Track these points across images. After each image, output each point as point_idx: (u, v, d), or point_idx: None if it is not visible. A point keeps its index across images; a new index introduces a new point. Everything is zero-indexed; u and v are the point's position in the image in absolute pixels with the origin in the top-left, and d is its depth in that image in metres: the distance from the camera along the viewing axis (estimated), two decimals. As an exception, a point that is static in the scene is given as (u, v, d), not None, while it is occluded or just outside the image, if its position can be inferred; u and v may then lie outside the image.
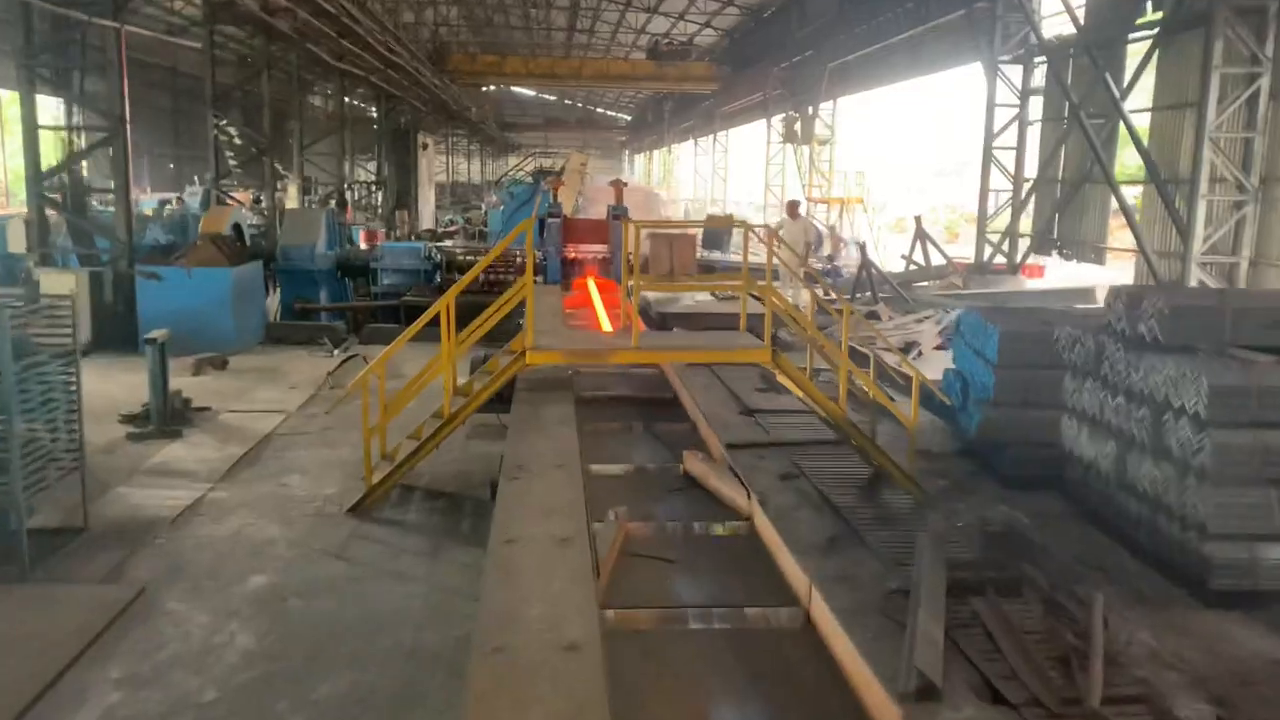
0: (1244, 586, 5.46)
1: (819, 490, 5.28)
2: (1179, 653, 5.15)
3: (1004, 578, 4.23)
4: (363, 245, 24.22)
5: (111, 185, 12.67)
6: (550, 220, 14.01)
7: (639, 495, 5.42)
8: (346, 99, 29.82)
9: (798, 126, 29.98)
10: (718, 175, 43.80)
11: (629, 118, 62.75)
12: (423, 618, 5.31)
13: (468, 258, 14.55)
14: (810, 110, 29.38)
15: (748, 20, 35.27)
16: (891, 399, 7.76)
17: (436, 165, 42.38)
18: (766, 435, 6.46)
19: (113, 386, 10.05)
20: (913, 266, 19.37)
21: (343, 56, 23.72)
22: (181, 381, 10.14)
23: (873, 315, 15.78)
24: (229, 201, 19.67)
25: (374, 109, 31.56)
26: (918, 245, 19.24)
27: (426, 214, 34.50)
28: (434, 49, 36.13)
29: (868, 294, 17.13)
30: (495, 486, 5.41)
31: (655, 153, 60.33)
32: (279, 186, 18.25)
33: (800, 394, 7.42)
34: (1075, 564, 6.22)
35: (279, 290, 13.96)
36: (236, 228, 15.12)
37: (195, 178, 30.32)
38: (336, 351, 12.06)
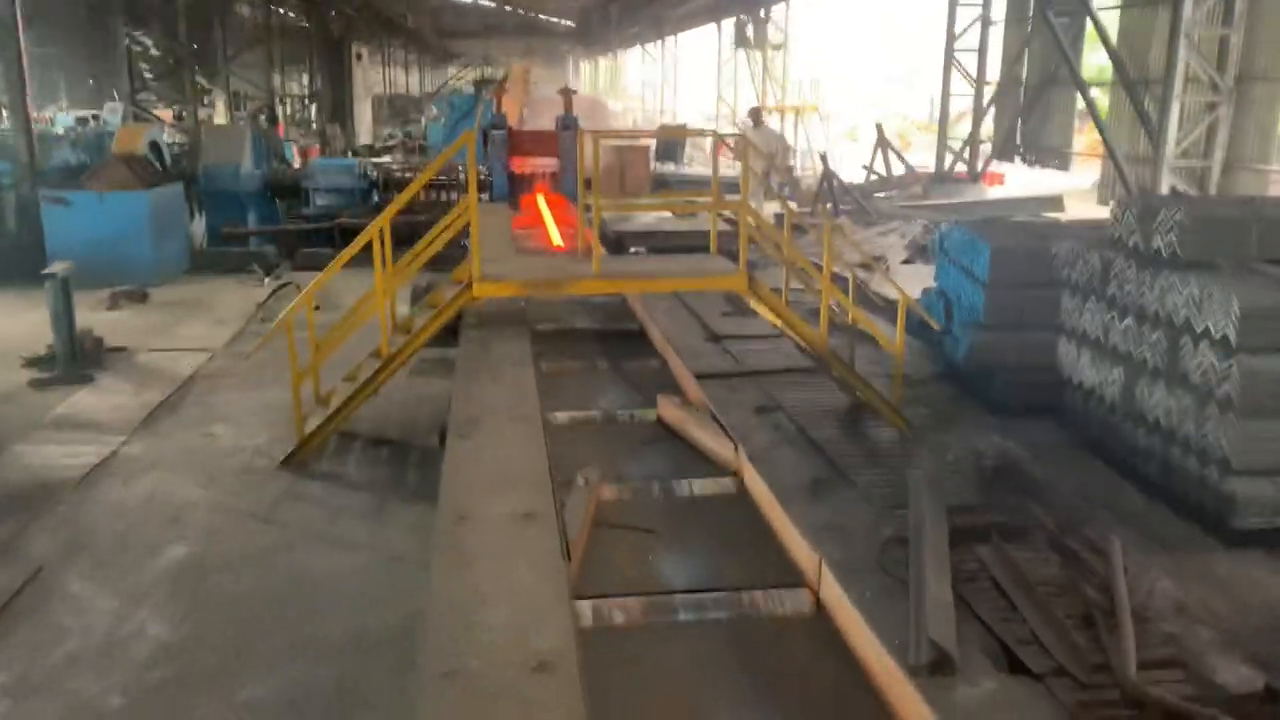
0: (1273, 524, 4.98)
1: (798, 425, 4.72)
2: (1206, 603, 4.64)
3: (1008, 521, 3.78)
4: (297, 163, 23.03)
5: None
6: (494, 132, 13.05)
7: (609, 449, 4.74)
8: (274, 7, 27.94)
9: (749, 31, 28.77)
10: (667, 84, 42.35)
11: (573, 24, 60.42)
12: (366, 593, 4.63)
13: (406, 174, 13.52)
14: (762, 13, 28.15)
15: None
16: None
17: (373, 78, 40.40)
18: (737, 364, 5.88)
19: (15, 326, 9.09)
20: (873, 177, 18.65)
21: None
22: (95, 318, 9.20)
23: (835, 230, 15.10)
24: (148, 118, 18.30)
25: (305, 19, 29.68)
26: (878, 155, 18.48)
27: (364, 128, 32.86)
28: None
29: (828, 205, 16.45)
30: (444, 433, 4.71)
31: (601, 61, 58.37)
32: (204, 101, 16.89)
33: (777, 321, 6.75)
34: (1080, 501, 5.71)
35: (203, 214, 12.84)
36: (154, 146, 13.87)
37: (115, 93, 28.44)
38: (268, 280, 11.11)
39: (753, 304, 7.20)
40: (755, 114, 12.90)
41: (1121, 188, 13.62)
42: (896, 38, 68.18)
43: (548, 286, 6.44)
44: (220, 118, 27.26)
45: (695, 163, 23.85)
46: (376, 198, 13.41)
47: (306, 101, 28.34)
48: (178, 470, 6.06)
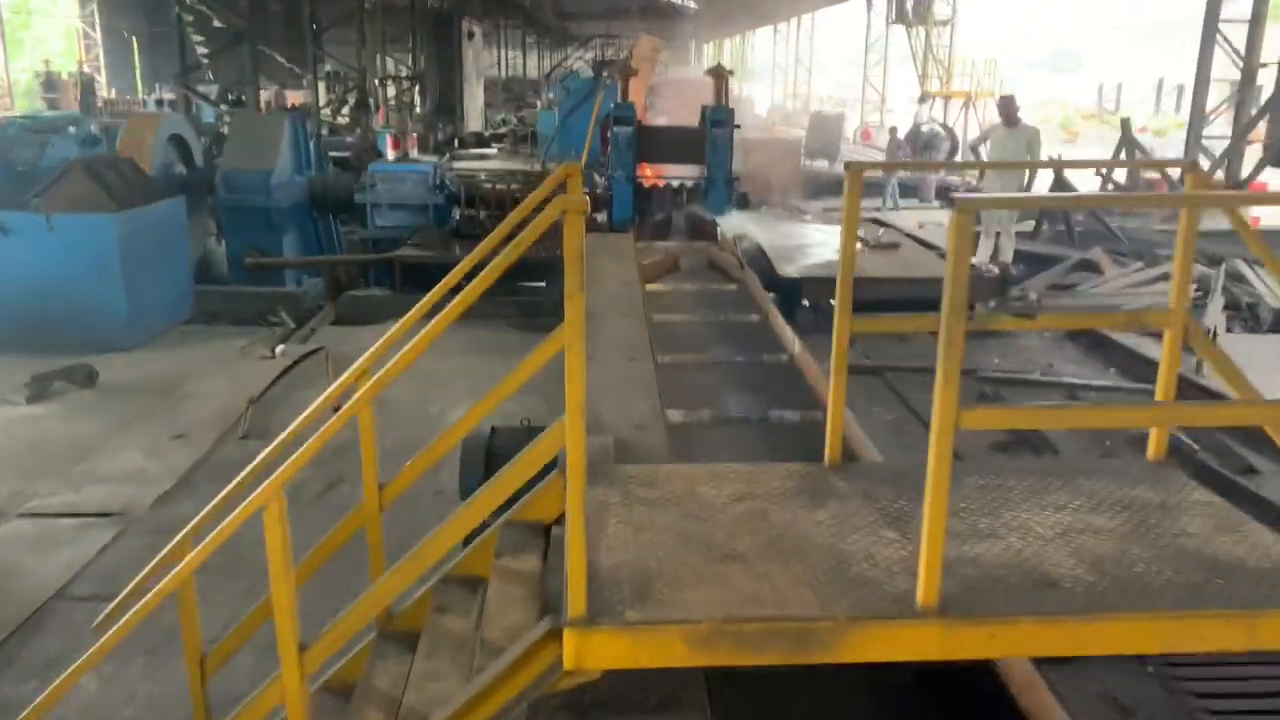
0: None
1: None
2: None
3: None
4: (390, 157, 19.41)
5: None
6: (618, 129, 9.04)
7: None
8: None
9: (909, 4, 23.96)
10: (801, 66, 37.55)
11: (696, 5, 55.80)
12: None
13: (498, 186, 9.56)
14: (927, -17, 23.32)
15: (844, -121, 28.82)
16: None
17: (487, 60, 36.84)
18: None
19: None
20: (1110, 187, 13.88)
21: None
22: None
23: (1087, 266, 10.55)
24: (206, 102, 14.86)
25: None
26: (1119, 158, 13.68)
27: (474, 114, 29.25)
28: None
29: (1059, 226, 11.87)
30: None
31: (727, 43, 53.65)
32: (261, 85, 13.32)
33: None
34: None
35: (223, 238, 9.19)
36: (178, 142, 10.30)
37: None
38: (280, 350, 7.26)
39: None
40: (1008, 106, 8.35)
41: None
42: (1040, 19, 61.34)
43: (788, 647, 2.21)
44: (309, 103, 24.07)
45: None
46: (456, 217, 9.52)
47: (408, 84, 24.72)
48: None
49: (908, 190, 17.88)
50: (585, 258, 1.88)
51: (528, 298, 8.68)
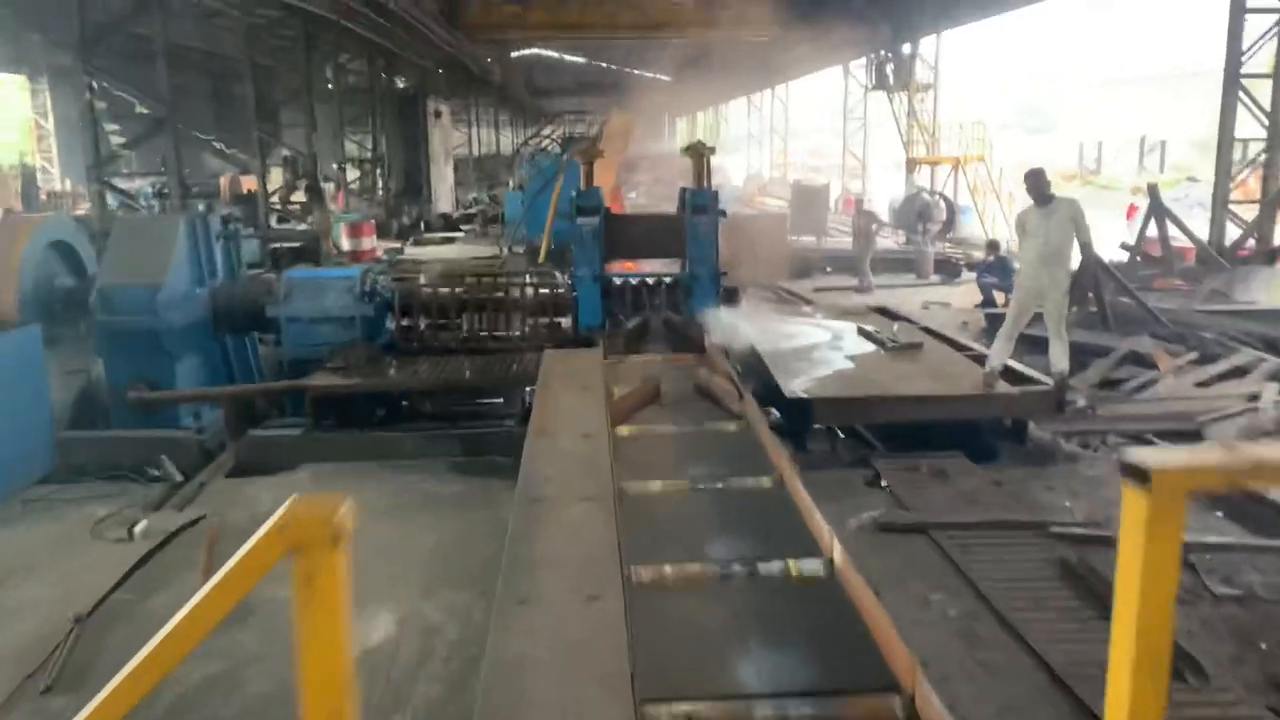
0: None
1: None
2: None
3: None
4: (344, 246, 17.80)
5: None
6: (582, 221, 7.37)
7: None
8: (340, 59, 23.14)
9: (889, 69, 22.84)
10: (777, 135, 36.53)
11: (668, 78, 55.24)
12: None
13: (440, 290, 7.86)
14: (907, 48, 22.21)
15: (814, -52, 27.94)
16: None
17: (457, 137, 35.66)
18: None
19: None
20: (1139, 259, 12.35)
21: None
22: None
23: (1134, 361, 8.94)
24: (127, 198, 13.21)
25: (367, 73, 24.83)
26: (1146, 228, 12.18)
27: (444, 194, 27.83)
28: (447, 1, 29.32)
29: (1090, 309, 10.28)
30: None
31: (700, 116, 52.99)
32: (183, 172, 11.69)
33: None
34: None
35: (104, 366, 7.42)
36: (65, 250, 8.62)
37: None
38: (140, 528, 5.44)
39: None
40: (1039, 182, 6.71)
41: None
42: (1016, 74, 61.19)
43: None
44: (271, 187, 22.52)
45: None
46: (390, 328, 7.81)
47: (369, 167, 23.28)
48: None
49: (902, 264, 16.40)
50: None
51: (474, 429, 6.95)
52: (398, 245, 19.99)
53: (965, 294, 13.53)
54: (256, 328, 7.86)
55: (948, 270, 15.83)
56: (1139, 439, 7.12)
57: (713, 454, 4.89)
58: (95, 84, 11.69)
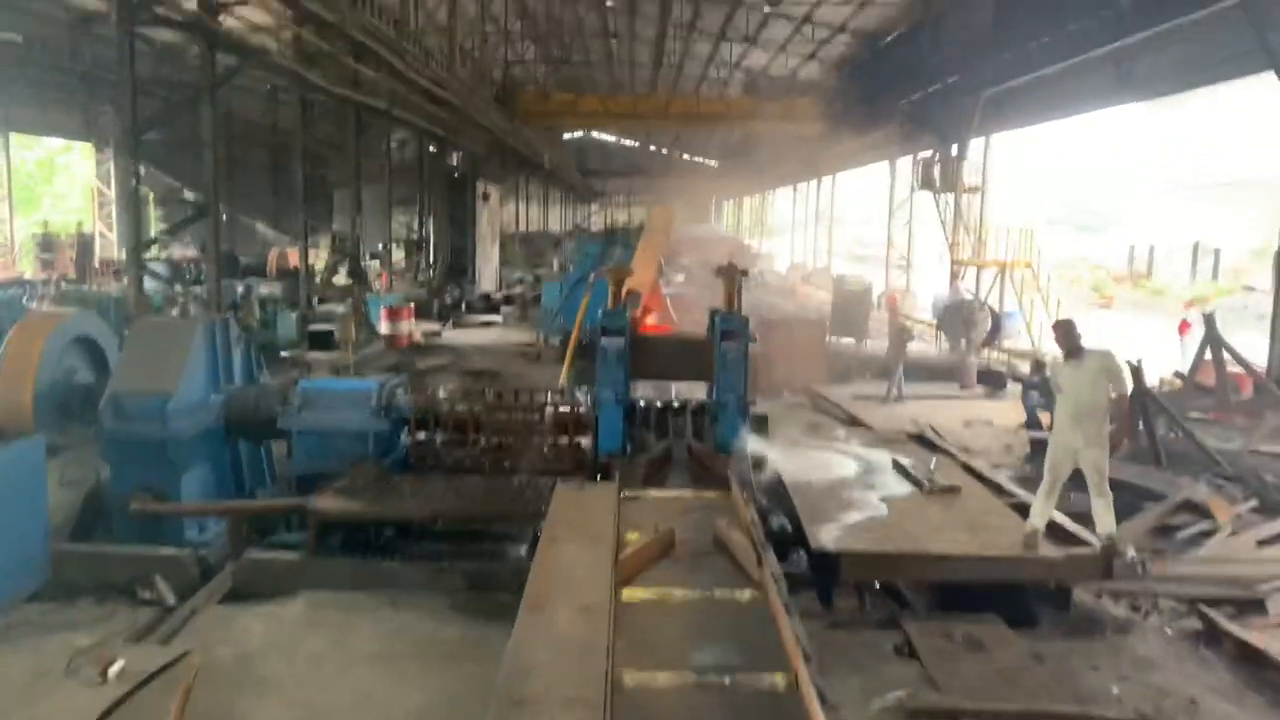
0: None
1: None
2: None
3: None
4: (381, 329, 17.76)
5: None
6: (607, 341, 7.06)
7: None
8: (391, 140, 23.56)
9: (936, 171, 22.64)
10: (821, 224, 36.44)
11: (715, 164, 55.76)
12: None
13: (459, 408, 7.58)
14: (955, 150, 22.03)
15: (862, 50, 28.17)
16: None
17: (505, 216, 35.99)
18: None
19: None
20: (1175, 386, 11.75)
21: (359, 83, 17.39)
22: None
23: (1188, 508, 8.34)
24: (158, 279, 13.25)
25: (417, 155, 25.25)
26: (1202, 356, 11.63)
27: (488, 275, 27.95)
28: (503, 87, 29.92)
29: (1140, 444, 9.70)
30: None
31: (747, 200, 53.29)
32: (232, 246, 11.70)
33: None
34: None
35: (110, 473, 7.21)
36: (88, 346, 8.53)
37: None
38: (115, 669, 5.11)
39: None
40: (1069, 334, 6.20)
41: None
42: (1059, 178, 60.78)
43: None
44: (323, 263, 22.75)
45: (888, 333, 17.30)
46: (405, 443, 7.54)
47: (414, 248, 23.45)
48: None
49: (945, 371, 15.92)
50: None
51: (479, 564, 6.58)
52: (437, 328, 19.97)
53: (1009, 410, 12.98)
54: (270, 436, 7.63)
55: (992, 380, 15.30)
56: (1193, 605, 6.54)
57: (724, 632, 4.47)
58: (142, 168, 11.79)
